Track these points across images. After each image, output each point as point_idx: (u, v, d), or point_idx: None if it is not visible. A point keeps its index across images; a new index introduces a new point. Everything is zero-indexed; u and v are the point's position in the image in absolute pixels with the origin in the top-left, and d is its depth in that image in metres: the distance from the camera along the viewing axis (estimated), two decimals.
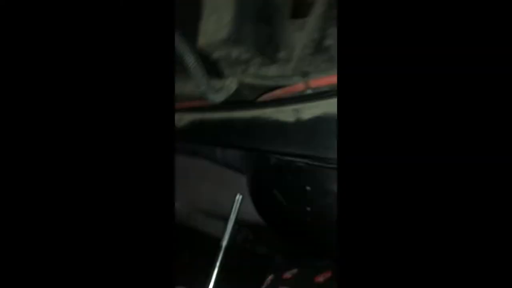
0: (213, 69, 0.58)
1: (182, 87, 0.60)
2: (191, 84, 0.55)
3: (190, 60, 0.48)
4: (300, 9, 0.58)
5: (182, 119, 0.64)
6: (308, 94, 0.49)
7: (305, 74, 0.49)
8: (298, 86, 0.50)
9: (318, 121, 0.48)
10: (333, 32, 0.50)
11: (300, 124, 0.50)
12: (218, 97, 0.54)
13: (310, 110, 0.49)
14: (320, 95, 0.48)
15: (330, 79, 0.47)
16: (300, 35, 0.56)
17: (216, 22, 0.49)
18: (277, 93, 0.53)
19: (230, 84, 0.55)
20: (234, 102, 0.55)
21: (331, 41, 0.50)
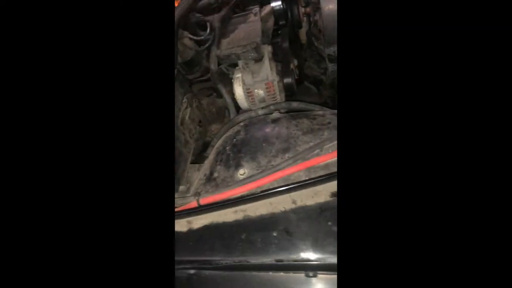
0: None
1: None
2: None
3: None
4: (198, 158, 0.81)
5: None
6: (199, 207, 0.63)
7: (197, 194, 0.65)
8: (191, 204, 0.65)
9: (206, 229, 0.61)
10: (219, 169, 0.71)
11: (191, 233, 0.61)
12: None
13: (200, 221, 0.62)
14: (207, 208, 0.62)
15: (215, 197, 0.64)
16: (197, 174, 0.75)
17: None
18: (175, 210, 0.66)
19: None
20: None
21: (217, 174, 0.70)
